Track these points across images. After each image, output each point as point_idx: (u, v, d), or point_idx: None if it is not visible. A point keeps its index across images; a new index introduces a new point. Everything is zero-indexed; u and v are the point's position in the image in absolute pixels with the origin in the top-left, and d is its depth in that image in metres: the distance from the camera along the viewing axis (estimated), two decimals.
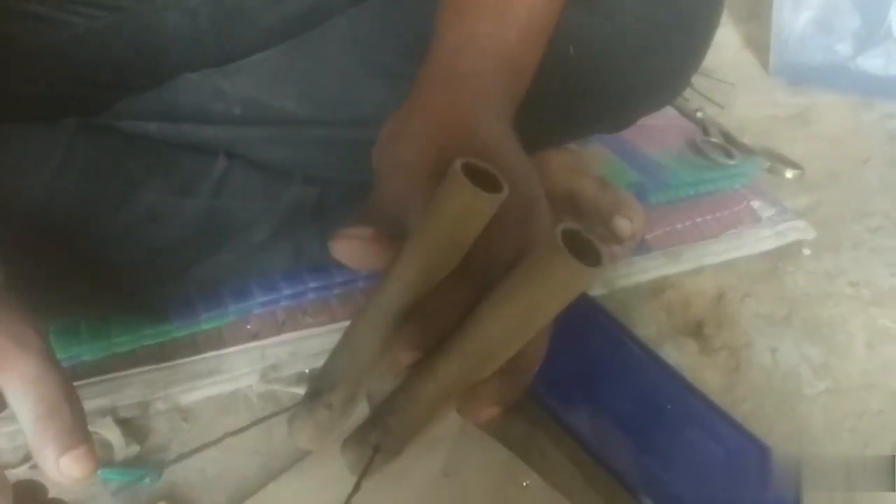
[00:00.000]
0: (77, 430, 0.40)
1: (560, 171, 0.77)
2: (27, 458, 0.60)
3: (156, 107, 0.67)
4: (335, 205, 0.71)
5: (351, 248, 0.40)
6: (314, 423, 0.42)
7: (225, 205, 0.67)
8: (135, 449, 0.62)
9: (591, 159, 0.88)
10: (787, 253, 0.88)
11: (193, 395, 0.66)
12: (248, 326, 0.71)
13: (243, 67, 0.67)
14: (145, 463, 0.61)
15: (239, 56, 0.68)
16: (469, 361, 0.37)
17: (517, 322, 0.36)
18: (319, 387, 0.41)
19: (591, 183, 0.77)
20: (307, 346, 0.70)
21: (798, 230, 0.90)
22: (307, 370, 0.69)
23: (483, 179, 0.35)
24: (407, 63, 0.56)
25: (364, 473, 0.40)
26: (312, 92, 0.67)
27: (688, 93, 1.08)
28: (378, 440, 0.39)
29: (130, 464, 0.61)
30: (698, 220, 0.89)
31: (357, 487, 0.40)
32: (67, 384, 0.40)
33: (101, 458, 0.61)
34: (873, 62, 1.18)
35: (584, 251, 0.32)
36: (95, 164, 0.64)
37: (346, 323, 0.71)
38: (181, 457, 0.62)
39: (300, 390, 0.67)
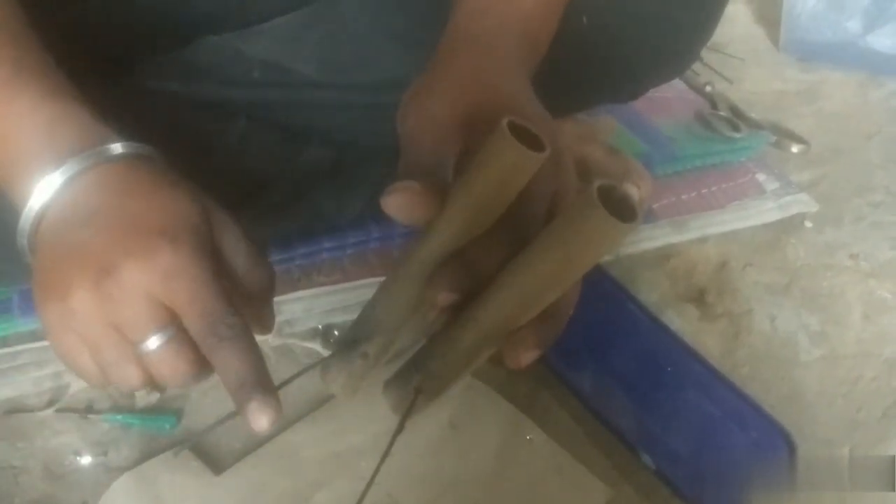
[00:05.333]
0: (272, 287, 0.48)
1: (570, 139, 0.78)
2: (51, 402, 0.63)
3: (178, 67, 0.68)
4: (351, 167, 0.73)
5: (402, 202, 0.41)
6: (349, 371, 0.44)
7: (244, 164, 0.69)
8: (154, 396, 0.64)
9: (601, 129, 0.90)
10: (789, 225, 0.90)
11: None
12: None
13: (263, 31, 0.68)
14: (165, 410, 0.64)
15: (260, 20, 0.69)
16: (507, 311, 0.39)
17: (554, 274, 0.38)
18: (356, 337, 0.44)
19: (600, 150, 0.79)
20: (320, 303, 0.73)
21: (801, 203, 0.92)
22: (320, 326, 0.71)
23: (523, 138, 0.37)
24: (423, 30, 0.58)
25: (408, 413, 0.42)
26: (330, 56, 0.68)
27: (697, 67, 1.10)
28: (420, 383, 0.41)
29: (151, 410, 0.63)
30: (704, 191, 0.91)
31: (401, 427, 0.42)
32: None
33: (123, 405, 0.64)
34: (882, 40, 1.19)
35: (619, 207, 0.33)
36: (118, 120, 0.65)
37: (359, 282, 0.74)
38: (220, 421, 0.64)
39: (313, 345, 0.69)
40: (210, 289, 0.41)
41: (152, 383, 0.44)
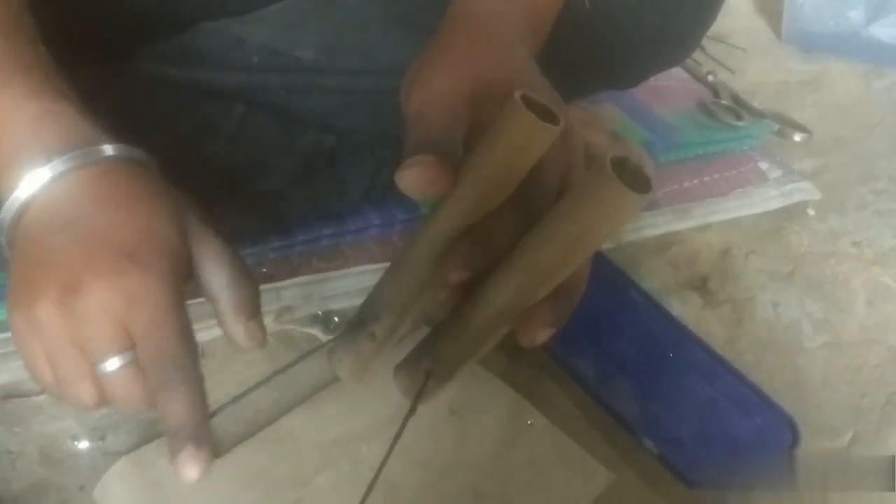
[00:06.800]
0: (258, 303, 0.47)
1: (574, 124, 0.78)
2: None
3: (176, 53, 0.68)
4: (351, 153, 0.72)
5: (417, 177, 0.40)
6: (356, 353, 0.43)
7: (243, 150, 0.68)
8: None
9: (603, 118, 0.89)
10: (792, 213, 0.90)
11: (211, 332, 0.67)
12: (264, 269, 0.73)
13: (263, 16, 0.68)
14: None
15: (259, 5, 0.68)
16: (520, 288, 0.39)
17: (567, 249, 0.37)
18: (363, 318, 0.43)
19: (603, 135, 0.78)
20: (320, 288, 0.72)
21: (804, 191, 0.91)
22: (320, 312, 0.70)
23: (535, 112, 0.37)
24: (425, 13, 0.57)
25: (418, 397, 0.41)
26: (331, 41, 0.68)
27: (700, 57, 1.10)
28: (430, 366, 0.41)
29: None
30: (706, 178, 0.90)
31: (412, 411, 0.42)
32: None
33: None
34: (885, 31, 1.18)
35: (632, 178, 0.33)
36: (116, 106, 0.65)
37: (359, 268, 0.74)
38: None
39: (314, 331, 0.69)
40: (170, 323, 0.41)
41: (104, 403, 0.43)
